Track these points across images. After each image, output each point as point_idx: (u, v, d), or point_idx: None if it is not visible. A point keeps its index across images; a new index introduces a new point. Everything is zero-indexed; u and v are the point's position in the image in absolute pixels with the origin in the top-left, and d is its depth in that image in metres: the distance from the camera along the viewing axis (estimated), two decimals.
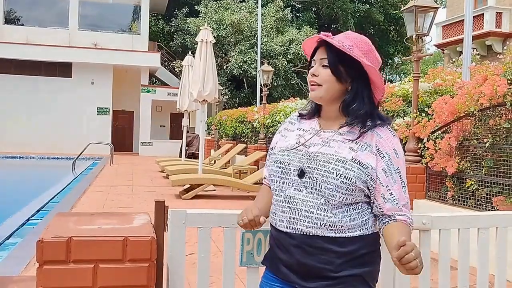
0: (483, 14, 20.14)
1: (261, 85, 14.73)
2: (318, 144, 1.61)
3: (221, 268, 2.10)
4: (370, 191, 1.57)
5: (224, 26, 24.38)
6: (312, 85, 1.63)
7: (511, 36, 19.52)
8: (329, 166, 1.54)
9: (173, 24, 28.40)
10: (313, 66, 1.64)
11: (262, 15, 22.16)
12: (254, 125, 13.70)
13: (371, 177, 1.55)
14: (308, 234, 1.54)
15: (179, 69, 22.02)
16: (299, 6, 31.20)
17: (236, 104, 24.22)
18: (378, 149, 1.57)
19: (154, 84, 25.99)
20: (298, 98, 11.88)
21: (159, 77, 25.75)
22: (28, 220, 6.72)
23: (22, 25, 23.18)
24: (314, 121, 1.70)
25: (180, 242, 2.03)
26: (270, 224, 1.68)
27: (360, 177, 1.53)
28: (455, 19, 21.75)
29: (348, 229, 1.54)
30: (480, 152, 5.06)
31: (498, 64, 5.93)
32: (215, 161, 15.06)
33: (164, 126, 25.46)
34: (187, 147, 18.22)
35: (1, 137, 21.29)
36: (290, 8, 27.21)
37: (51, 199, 8.59)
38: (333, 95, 1.62)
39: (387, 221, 1.58)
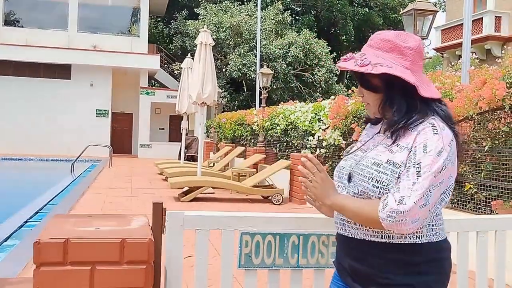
0: (482, 18, 20.17)
1: (260, 88, 14.73)
2: (369, 148, 1.62)
3: (219, 270, 2.10)
4: None
5: (224, 29, 24.39)
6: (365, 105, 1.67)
7: (510, 40, 19.56)
8: (364, 170, 1.54)
9: (173, 27, 28.43)
10: None
11: (261, 18, 22.17)
12: (253, 128, 13.69)
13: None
14: (356, 237, 1.57)
15: (178, 71, 22.05)
16: (299, 9, 31.25)
17: (235, 107, 24.23)
18: (412, 145, 1.48)
19: (153, 87, 26.00)
20: (297, 101, 11.86)
21: (158, 80, 25.77)
22: (26, 222, 6.70)
23: (22, 26, 23.20)
24: (379, 125, 1.70)
25: (178, 244, 2.02)
26: None
27: (393, 179, 1.46)
28: (454, 23, 21.79)
29: (396, 235, 1.49)
30: (479, 155, 5.06)
31: (497, 68, 5.93)
32: (214, 164, 15.04)
33: (163, 129, 25.46)
34: (186, 150, 18.21)
35: (0, 139, 21.28)
36: (289, 11, 27.25)
37: (49, 201, 8.57)
38: (379, 106, 1.60)
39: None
